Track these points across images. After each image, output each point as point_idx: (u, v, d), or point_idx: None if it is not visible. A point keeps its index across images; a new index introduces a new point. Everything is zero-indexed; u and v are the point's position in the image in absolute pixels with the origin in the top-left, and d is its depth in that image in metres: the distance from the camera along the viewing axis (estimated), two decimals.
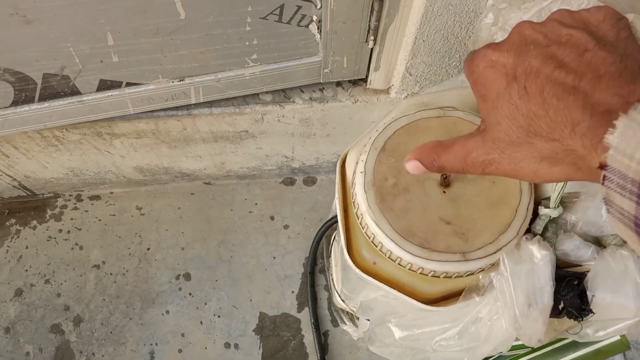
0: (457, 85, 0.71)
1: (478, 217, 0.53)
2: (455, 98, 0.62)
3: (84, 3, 0.65)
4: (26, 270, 1.19)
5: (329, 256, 1.20)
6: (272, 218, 1.26)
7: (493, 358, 0.68)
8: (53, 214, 1.24)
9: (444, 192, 0.55)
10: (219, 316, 1.16)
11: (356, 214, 0.58)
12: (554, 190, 0.51)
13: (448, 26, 0.73)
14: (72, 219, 1.24)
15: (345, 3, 0.72)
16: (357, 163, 0.59)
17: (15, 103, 0.81)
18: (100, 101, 0.84)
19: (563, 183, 0.51)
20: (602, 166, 0.28)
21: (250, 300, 1.18)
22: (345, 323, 1.15)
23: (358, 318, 1.14)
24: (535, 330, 0.49)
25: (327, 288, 1.20)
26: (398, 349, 0.66)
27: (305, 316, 1.17)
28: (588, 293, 0.51)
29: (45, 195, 1.24)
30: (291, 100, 0.94)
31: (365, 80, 0.93)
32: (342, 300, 1.07)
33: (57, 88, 0.80)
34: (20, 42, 0.70)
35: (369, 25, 0.77)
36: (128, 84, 0.82)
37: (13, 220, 1.24)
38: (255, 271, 1.21)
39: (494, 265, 0.52)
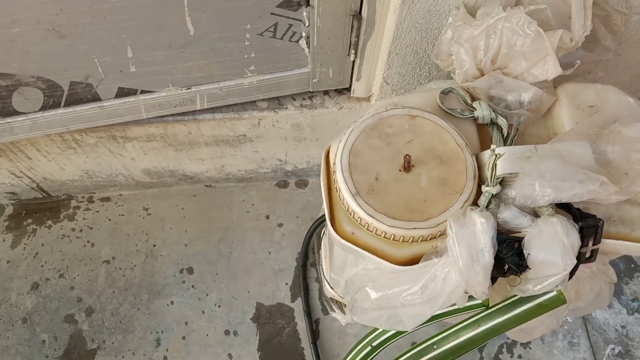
0: (426, 90, 0.84)
1: (432, 194, 0.66)
2: (419, 100, 0.75)
3: (110, 20, 0.78)
4: (42, 266, 1.30)
5: (319, 250, 1.32)
6: (267, 217, 1.38)
7: (459, 322, 0.79)
8: (67, 214, 1.36)
9: (406, 175, 0.67)
10: (219, 306, 1.27)
11: (338, 195, 0.70)
12: (489, 172, 0.64)
13: (416, 41, 0.86)
14: (84, 218, 1.35)
15: (329, 21, 0.85)
16: (335, 155, 0.71)
17: (44, 108, 0.93)
18: (118, 107, 0.96)
19: (493, 166, 0.63)
20: None
21: (248, 291, 1.29)
22: (334, 311, 1.26)
23: (346, 305, 1.26)
24: (478, 282, 0.61)
25: (318, 280, 1.31)
26: (375, 314, 0.77)
27: (298, 305, 1.28)
28: (525, 252, 0.63)
29: (59, 197, 1.36)
30: (284, 106, 1.07)
31: (349, 89, 1.06)
32: (331, 287, 1.19)
33: (81, 95, 0.92)
34: (54, 54, 0.83)
35: (350, 40, 0.90)
36: (142, 92, 0.95)
37: (30, 220, 1.35)
38: (252, 265, 1.32)
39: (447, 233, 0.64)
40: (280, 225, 1.37)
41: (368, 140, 0.69)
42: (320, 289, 1.30)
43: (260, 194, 1.41)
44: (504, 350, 1.26)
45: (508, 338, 1.28)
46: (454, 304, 0.69)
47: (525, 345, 1.27)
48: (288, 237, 1.36)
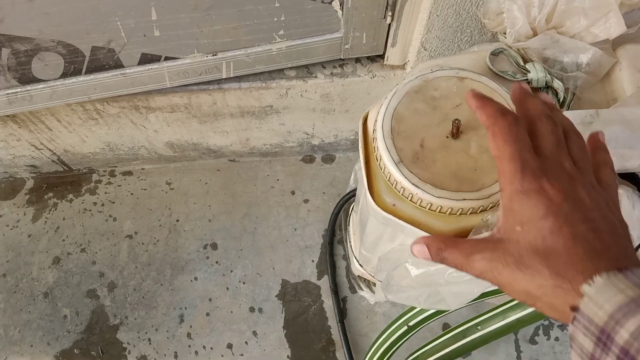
0: (469, 53, 0.78)
1: (483, 163, 0.60)
2: (466, 61, 0.69)
3: None
4: (63, 240, 1.28)
5: (346, 227, 1.27)
6: (292, 193, 1.34)
7: (506, 301, 0.74)
8: (88, 188, 1.33)
9: (454, 142, 0.62)
10: (244, 282, 1.24)
11: (379, 164, 0.65)
12: None
13: (460, 1, 0.80)
14: (106, 192, 1.32)
15: None
16: (376, 120, 0.66)
17: (64, 75, 0.89)
18: (141, 74, 0.92)
19: None
20: (574, 308, 0.34)
21: (273, 268, 1.25)
22: (362, 289, 1.22)
23: (374, 284, 1.22)
24: None
25: (345, 257, 1.27)
26: (413, 292, 0.73)
27: (324, 283, 1.24)
28: None
29: (81, 171, 1.33)
30: (313, 75, 1.01)
31: (382, 56, 1.00)
32: (360, 265, 1.15)
33: (103, 61, 0.88)
34: (75, 16, 0.78)
35: (387, 1, 0.84)
36: (167, 58, 0.90)
37: (51, 194, 1.32)
38: (277, 242, 1.28)
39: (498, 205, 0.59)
40: (306, 201, 1.33)
41: (412, 104, 0.64)
42: (348, 267, 1.26)
43: (285, 169, 1.36)
44: (540, 332, 1.21)
45: (545, 319, 1.23)
46: None
47: (563, 327, 1.22)
48: (314, 213, 1.32)
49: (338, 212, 1.29)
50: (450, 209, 0.60)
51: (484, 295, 0.71)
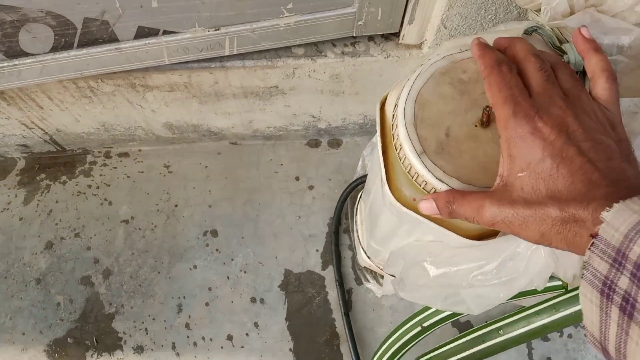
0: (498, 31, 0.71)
1: None
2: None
3: None
4: (56, 224, 1.22)
5: (353, 216, 1.21)
6: (297, 179, 1.27)
7: (532, 305, 0.69)
8: (82, 170, 1.26)
9: (483, 131, 0.55)
10: (245, 272, 1.18)
11: (398, 155, 0.58)
12: None
13: None
14: (101, 175, 1.26)
15: None
16: (397, 105, 0.59)
17: (55, 49, 0.83)
18: (137, 49, 0.85)
19: None
20: (594, 235, 0.34)
21: (276, 257, 1.20)
22: (369, 281, 1.17)
23: (382, 277, 1.16)
24: (571, 263, 0.50)
25: (351, 248, 1.21)
26: (429, 292, 0.67)
27: (329, 274, 1.19)
28: None
29: (75, 151, 1.26)
30: (323, 54, 0.94)
31: (397, 35, 0.93)
32: (368, 257, 1.09)
33: (96, 34, 0.81)
34: None
35: None
36: (165, 32, 0.83)
37: (43, 175, 1.26)
38: (280, 230, 1.22)
39: None
40: (311, 187, 1.27)
41: (438, 87, 0.57)
42: (354, 257, 1.21)
43: (289, 153, 1.30)
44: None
45: None
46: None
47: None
48: (319, 200, 1.25)
49: (345, 199, 1.23)
50: None
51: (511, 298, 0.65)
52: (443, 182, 0.54)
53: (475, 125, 0.56)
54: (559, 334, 1.16)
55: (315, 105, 1.12)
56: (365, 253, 1.10)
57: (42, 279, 1.17)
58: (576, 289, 0.63)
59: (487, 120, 0.55)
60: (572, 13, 0.63)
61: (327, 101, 1.10)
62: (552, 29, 0.63)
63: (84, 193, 1.24)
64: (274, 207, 1.24)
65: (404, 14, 0.86)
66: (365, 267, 1.18)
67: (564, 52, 0.60)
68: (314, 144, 1.31)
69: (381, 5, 0.83)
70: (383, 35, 0.94)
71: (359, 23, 0.88)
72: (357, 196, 1.19)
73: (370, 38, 0.95)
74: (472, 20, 0.83)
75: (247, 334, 1.14)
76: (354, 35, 0.91)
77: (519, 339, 0.65)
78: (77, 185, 1.25)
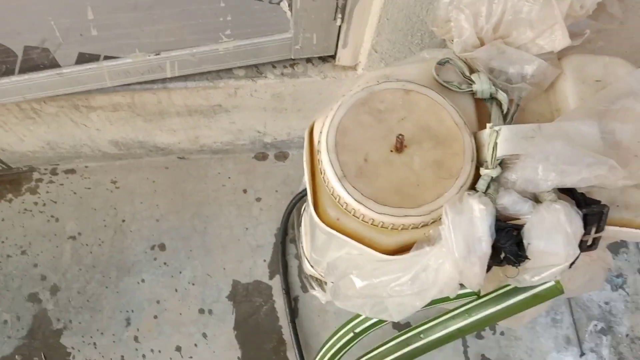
0: (419, 60, 0.77)
1: (426, 178, 0.60)
2: (413, 72, 0.68)
3: None
4: (2, 242, 1.22)
5: (299, 226, 1.26)
6: (244, 191, 1.31)
7: (447, 310, 0.75)
8: (29, 187, 1.27)
9: (398, 156, 0.61)
10: (193, 284, 1.21)
11: (323, 178, 0.64)
12: (488, 153, 0.58)
13: (410, 6, 0.79)
14: (47, 192, 1.27)
15: None
16: (321, 132, 0.64)
17: None
18: (79, 74, 0.87)
19: (493, 147, 0.58)
20: None
21: (224, 268, 1.23)
22: (314, 288, 1.22)
23: (326, 283, 1.21)
24: (474, 274, 0.56)
25: (298, 257, 1.26)
26: (359, 301, 0.72)
27: (276, 283, 1.23)
28: (524, 242, 0.58)
29: (21, 169, 1.26)
30: (263, 75, 0.99)
31: (334, 57, 0.99)
32: (312, 266, 1.14)
33: (37, 60, 0.83)
34: (3, 15, 0.73)
35: (337, 3, 0.82)
36: (106, 57, 0.86)
37: None
38: (228, 241, 1.26)
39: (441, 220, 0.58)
40: (258, 199, 1.31)
41: (357, 116, 0.63)
42: (300, 266, 1.25)
43: (237, 166, 1.33)
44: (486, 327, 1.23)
45: None
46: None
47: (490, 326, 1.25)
48: (267, 212, 1.30)
49: (291, 210, 1.27)
50: (392, 225, 0.59)
51: (425, 305, 0.71)
52: (361, 203, 0.59)
53: (391, 151, 0.62)
54: (492, 331, 1.24)
55: (260, 121, 1.16)
56: (309, 262, 1.14)
57: None
58: (486, 295, 0.69)
59: (400, 146, 0.61)
60: (481, 44, 0.69)
61: (271, 117, 1.15)
62: (463, 59, 0.69)
63: (30, 210, 1.25)
64: (222, 219, 1.28)
65: (338, 39, 0.92)
66: (310, 275, 1.22)
67: (473, 81, 0.67)
68: (261, 157, 1.35)
69: (315, 31, 0.89)
70: (320, 57, 0.99)
71: (296, 47, 0.93)
72: (303, 206, 1.23)
73: (309, 60, 1.00)
74: (400, 45, 0.89)
75: (195, 345, 1.17)
76: (293, 57, 0.96)
77: (438, 342, 0.71)
78: (23, 202, 1.25)
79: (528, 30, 0.65)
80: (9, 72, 0.84)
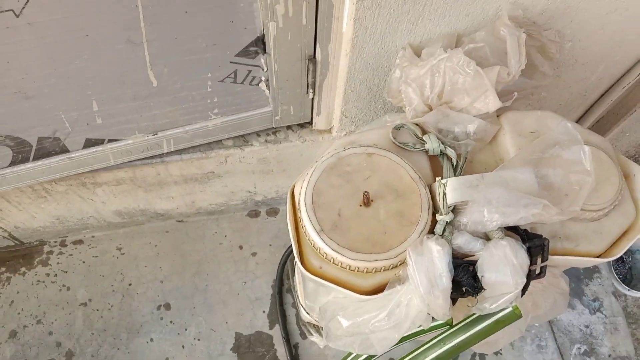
0: (381, 125, 0.89)
1: (391, 226, 0.70)
2: (374, 137, 0.80)
3: (75, 79, 0.82)
4: (18, 313, 1.31)
5: (293, 276, 1.35)
6: (240, 247, 1.41)
7: (426, 341, 0.84)
8: (40, 260, 1.36)
9: (365, 210, 0.72)
10: (198, 339, 1.30)
11: (304, 232, 0.74)
12: (440, 202, 0.69)
13: (369, 79, 0.92)
14: (58, 263, 1.36)
15: (286, 66, 0.90)
16: (300, 194, 0.76)
17: (13, 163, 0.96)
18: (86, 156, 0.99)
19: (443, 196, 0.69)
20: None
21: (226, 322, 1.32)
22: (312, 334, 1.30)
23: (322, 328, 1.30)
24: (439, 306, 0.66)
25: (294, 305, 1.35)
26: (348, 339, 0.81)
27: (276, 332, 1.31)
28: (479, 274, 0.68)
29: (32, 243, 1.36)
30: (250, 143, 1.11)
31: (310, 123, 1.11)
32: (307, 312, 1.23)
33: (49, 148, 0.95)
34: (21, 114, 0.85)
35: (307, 81, 0.95)
36: (110, 140, 0.98)
37: (3, 269, 1.35)
38: (228, 296, 1.35)
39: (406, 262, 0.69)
40: (253, 254, 1.41)
41: (329, 179, 0.74)
42: (297, 314, 1.34)
43: (232, 225, 1.44)
44: (477, 358, 1.31)
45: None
46: (420, 326, 0.74)
47: (497, 352, 1.33)
48: (262, 265, 1.39)
49: (285, 262, 1.37)
50: (366, 268, 0.70)
51: (406, 337, 0.81)
52: (338, 252, 0.70)
53: (360, 205, 0.73)
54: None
55: (250, 183, 1.28)
56: (305, 309, 1.23)
57: None
58: (457, 325, 0.79)
59: (367, 201, 0.72)
60: (430, 110, 0.82)
61: (260, 179, 1.26)
62: (415, 124, 0.81)
63: (43, 281, 1.34)
64: (221, 275, 1.37)
65: (312, 109, 1.04)
66: (308, 322, 1.31)
67: (424, 142, 0.79)
68: (254, 214, 1.46)
69: (292, 104, 1.01)
70: (299, 124, 1.12)
71: (276, 118, 1.05)
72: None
73: (289, 127, 1.13)
74: (366, 110, 1.02)
75: None
76: (274, 126, 1.08)
77: None
78: (36, 275, 1.35)
79: (465, 97, 0.77)
80: (24, 160, 0.95)
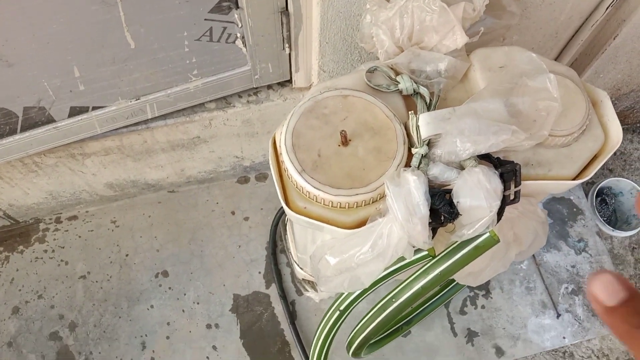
0: (354, 72, 0.92)
1: (369, 163, 0.73)
2: (350, 81, 0.82)
3: (54, 44, 0.83)
4: (19, 290, 1.34)
5: (286, 236, 1.39)
6: (233, 213, 1.44)
7: (411, 274, 0.87)
8: (37, 237, 1.39)
9: (344, 149, 0.75)
10: (198, 303, 1.33)
11: (287, 175, 0.77)
12: (414, 135, 0.72)
13: (343, 29, 0.94)
14: (54, 239, 1.39)
15: (260, 20, 0.92)
16: (280, 138, 0.78)
17: (1, 136, 0.98)
18: (72, 125, 1.01)
19: (416, 129, 0.72)
20: None
21: (224, 285, 1.35)
22: (307, 290, 1.34)
23: (317, 283, 1.34)
24: (418, 232, 0.69)
25: (289, 264, 1.38)
26: (338, 279, 0.85)
27: (273, 291, 1.35)
28: (454, 201, 0.72)
29: (28, 222, 1.39)
30: (232, 105, 1.13)
31: (290, 81, 1.13)
32: (301, 268, 1.27)
33: (36, 118, 0.97)
34: (4, 83, 0.87)
35: (282, 35, 0.97)
36: (94, 108, 1.00)
37: (1, 248, 1.38)
38: (224, 260, 1.38)
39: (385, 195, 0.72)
40: (246, 218, 1.44)
41: (307, 121, 0.76)
42: (292, 273, 1.38)
43: (223, 192, 1.47)
44: (468, 303, 1.36)
45: (470, 291, 1.38)
46: (405, 258, 0.77)
47: (487, 295, 1.37)
48: (255, 229, 1.43)
49: (277, 224, 1.41)
50: (347, 204, 0.73)
51: (392, 273, 0.84)
52: (320, 190, 0.73)
53: (339, 145, 0.75)
54: (474, 306, 1.36)
55: (236, 147, 1.30)
56: (298, 265, 1.27)
57: (13, 342, 1.28)
58: (438, 255, 0.82)
59: (345, 140, 0.75)
60: (401, 51, 0.84)
61: (246, 142, 1.29)
62: (388, 66, 0.84)
63: (41, 258, 1.37)
64: (216, 241, 1.40)
65: (290, 66, 1.07)
66: (303, 279, 1.35)
67: (398, 82, 0.81)
68: (244, 180, 1.49)
69: (270, 61, 1.03)
70: (279, 83, 1.14)
71: (256, 77, 1.07)
72: (286, 219, 1.37)
73: (269, 86, 1.15)
74: (343, 63, 1.04)
75: (207, 357, 1.28)
76: (255, 86, 1.11)
77: (408, 302, 0.83)
78: (34, 252, 1.37)
79: (434, 35, 0.79)
80: (12, 132, 0.98)
